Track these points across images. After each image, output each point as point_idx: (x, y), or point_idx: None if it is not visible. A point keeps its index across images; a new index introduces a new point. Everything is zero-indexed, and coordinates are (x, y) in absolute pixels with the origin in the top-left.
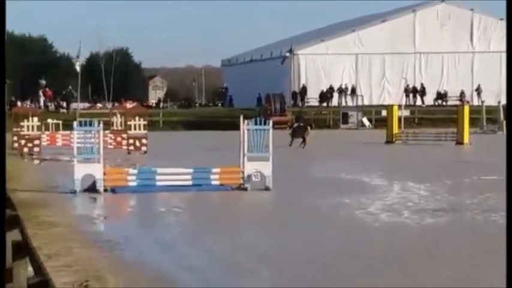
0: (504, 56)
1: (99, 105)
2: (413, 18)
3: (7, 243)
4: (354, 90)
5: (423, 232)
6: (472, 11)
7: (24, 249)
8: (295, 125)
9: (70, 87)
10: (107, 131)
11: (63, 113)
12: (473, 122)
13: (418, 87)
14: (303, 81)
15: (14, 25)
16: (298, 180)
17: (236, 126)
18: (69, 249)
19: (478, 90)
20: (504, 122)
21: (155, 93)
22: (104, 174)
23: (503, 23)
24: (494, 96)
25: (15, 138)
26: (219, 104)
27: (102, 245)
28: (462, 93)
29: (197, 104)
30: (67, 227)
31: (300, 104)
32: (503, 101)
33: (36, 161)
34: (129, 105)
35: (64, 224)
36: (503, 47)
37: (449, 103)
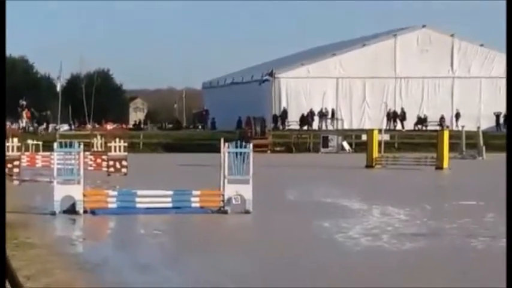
0: (484, 81)
1: (89, 126)
2: (394, 42)
3: None
4: (334, 114)
5: (403, 256)
6: (452, 36)
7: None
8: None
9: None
10: (87, 153)
11: (43, 134)
12: (453, 147)
13: (398, 111)
14: (283, 105)
15: None
16: (278, 204)
17: (217, 149)
18: (48, 270)
19: (457, 116)
20: (484, 148)
21: (136, 115)
22: (84, 195)
23: (484, 49)
24: (474, 122)
25: None
26: (200, 127)
27: (82, 266)
28: (442, 118)
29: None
30: (46, 248)
31: (281, 128)
32: (483, 126)
33: (16, 182)
34: (109, 126)
35: (43, 245)
36: (483, 72)
37: (429, 128)
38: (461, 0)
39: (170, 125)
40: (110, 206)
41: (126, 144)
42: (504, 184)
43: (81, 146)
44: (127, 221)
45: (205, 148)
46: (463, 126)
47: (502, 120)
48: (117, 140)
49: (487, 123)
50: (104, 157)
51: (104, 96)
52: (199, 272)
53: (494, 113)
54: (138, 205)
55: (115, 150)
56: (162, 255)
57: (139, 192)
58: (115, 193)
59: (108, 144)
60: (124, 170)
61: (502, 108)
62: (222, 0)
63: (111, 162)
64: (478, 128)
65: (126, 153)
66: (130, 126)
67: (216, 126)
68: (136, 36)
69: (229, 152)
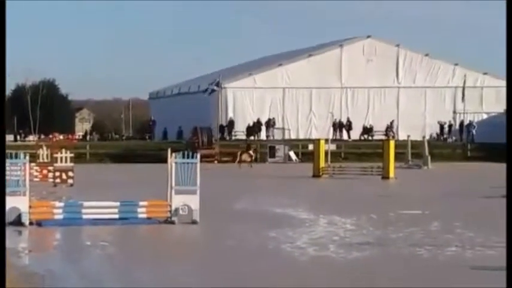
0: (429, 91)
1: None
2: (340, 53)
3: None
4: (280, 124)
5: (349, 266)
6: (397, 46)
7: None
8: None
9: None
10: (32, 164)
11: None
12: (399, 156)
13: (345, 121)
14: (230, 115)
15: None
16: (225, 214)
17: (164, 159)
18: None
19: (391, 126)
20: (429, 157)
21: (82, 126)
22: (30, 207)
23: (428, 59)
24: (419, 131)
25: None
26: (147, 137)
27: (27, 278)
28: (388, 128)
29: (123, 137)
30: None
31: (227, 138)
32: (428, 136)
33: None
34: (55, 137)
35: None
36: (427, 82)
37: (375, 137)
38: (407, 11)
39: (117, 135)
40: (56, 217)
41: (72, 155)
42: (449, 193)
43: (27, 157)
44: (73, 232)
45: (152, 158)
46: (408, 136)
47: (446, 129)
48: (63, 150)
49: (432, 132)
50: (49, 168)
51: (50, 107)
52: (146, 282)
53: (439, 123)
54: (84, 216)
55: (61, 161)
56: (108, 267)
57: (85, 204)
58: (61, 204)
59: (54, 155)
60: (70, 181)
61: (447, 118)
62: (169, 11)
63: (57, 173)
64: (424, 137)
65: (72, 164)
66: (79, 137)
67: (167, 136)
68: (82, 46)
69: (176, 163)
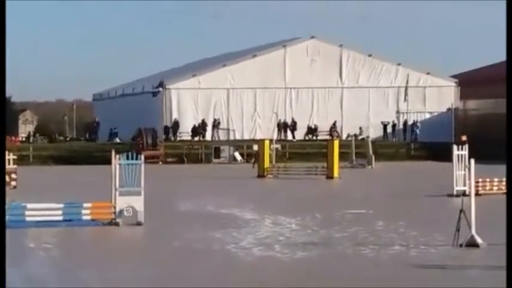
0: (372, 91)
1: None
2: (284, 53)
3: None
4: (225, 125)
5: (295, 266)
6: (340, 47)
7: None
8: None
9: None
10: None
11: None
12: (343, 156)
13: (289, 121)
14: (175, 116)
15: None
16: (170, 215)
17: (108, 161)
18: None
19: (334, 127)
20: (373, 157)
21: (25, 127)
22: None
23: (371, 59)
24: (363, 131)
25: None
26: (91, 137)
27: None
28: (332, 128)
29: (67, 138)
30: None
31: (172, 139)
32: (372, 136)
33: None
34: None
35: None
36: (371, 82)
37: (319, 137)
38: (351, 11)
39: (61, 137)
40: None
41: (15, 157)
42: (393, 192)
43: None
44: (17, 235)
45: (97, 160)
46: (352, 136)
47: (389, 129)
48: (6, 152)
49: (375, 132)
50: None
51: None
52: (90, 284)
53: (382, 123)
54: (28, 218)
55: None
56: (52, 269)
57: (29, 206)
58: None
59: None
60: (13, 183)
61: (390, 118)
62: (111, 12)
63: None
64: (368, 137)
65: (15, 166)
66: (22, 138)
67: (112, 138)
68: (25, 47)
69: (120, 164)
